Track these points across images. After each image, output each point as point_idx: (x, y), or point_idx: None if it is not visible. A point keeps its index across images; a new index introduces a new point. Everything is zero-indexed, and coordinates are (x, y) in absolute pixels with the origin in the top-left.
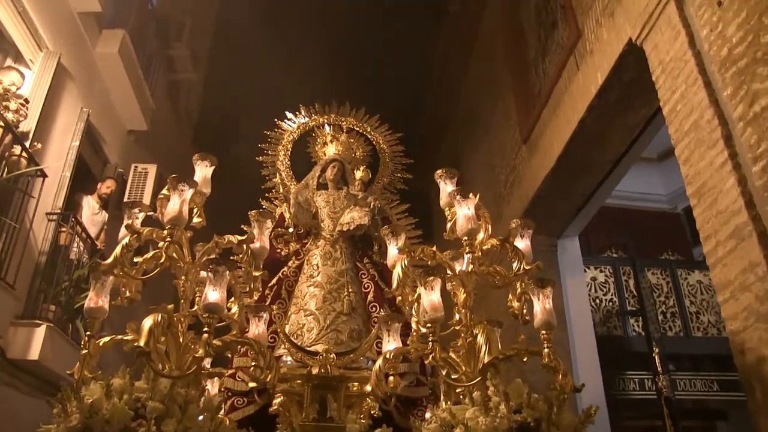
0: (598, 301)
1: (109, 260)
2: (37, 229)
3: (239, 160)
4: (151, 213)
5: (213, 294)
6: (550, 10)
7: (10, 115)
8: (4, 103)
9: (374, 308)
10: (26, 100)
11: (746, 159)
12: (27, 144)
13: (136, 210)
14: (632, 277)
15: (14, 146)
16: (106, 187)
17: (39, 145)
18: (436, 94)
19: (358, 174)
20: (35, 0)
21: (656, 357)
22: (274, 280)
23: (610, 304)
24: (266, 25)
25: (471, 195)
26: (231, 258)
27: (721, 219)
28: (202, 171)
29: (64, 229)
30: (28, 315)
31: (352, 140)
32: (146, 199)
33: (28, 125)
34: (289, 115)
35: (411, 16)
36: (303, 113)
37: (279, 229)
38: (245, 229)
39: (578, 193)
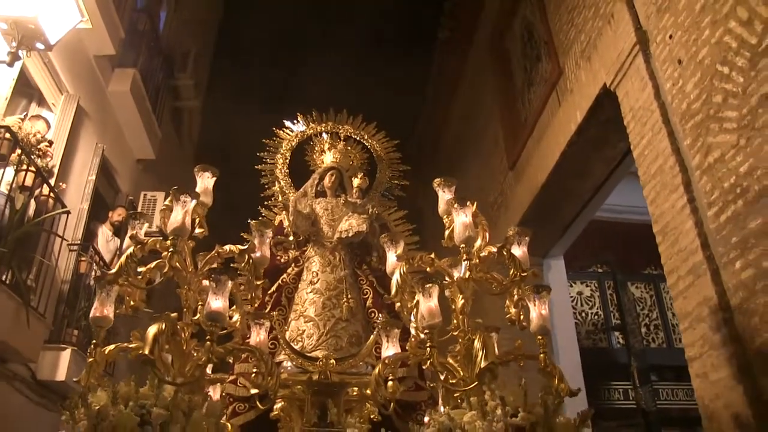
0: (584, 314)
1: (114, 270)
2: (59, 259)
3: (238, 176)
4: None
5: (215, 302)
6: (534, 44)
7: (39, 161)
8: (37, 153)
9: (373, 314)
10: (50, 142)
11: (702, 204)
12: (52, 182)
13: (140, 221)
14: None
15: (42, 186)
16: (118, 214)
17: (64, 186)
18: (428, 116)
19: (356, 181)
20: (57, 48)
21: (634, 371)
22: (273, 287)
23: (596, 317)
24: (262, 50)
25: (468, 203)
26: (232, 265)
27: (682, 256)
28: (204, 182)
29: (83, 259)
30: (54, 340)
31: (349, 148)
32: (155, 225)
33: (51, 164)
34: (287, 123)
35: (402, 42)
36: (300, 122)
37: (278, 236)
38: (246, 237)
39: (562, 217)
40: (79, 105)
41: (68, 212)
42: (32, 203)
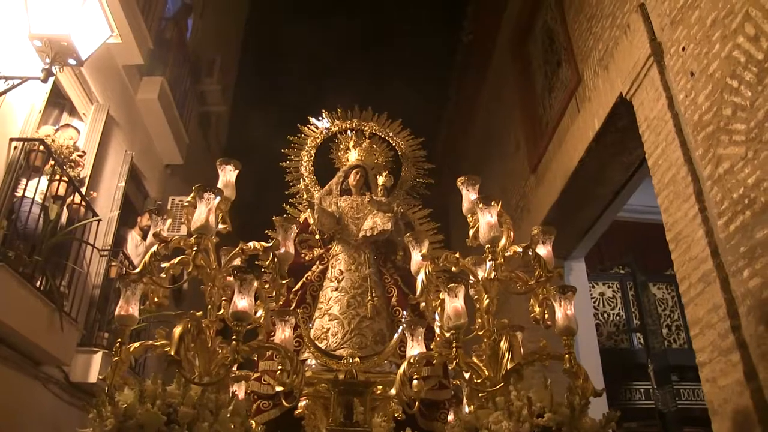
0: (606, 315)
1: (139, 268)
2: (90, 265)
3: (265, 179)
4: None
5: (241, 302)
6: (555, 50)
7: (71, 171)
8: (70, 164)
9: (397, 312)
10: (83, 152)
11: (713, 213)
12: (83, 190)
13: (162, 218)
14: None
15: (74, 194)
16: (146, 220)
17: (94, 194)
18: (453, 116)
19: (381, 179)
20: (87, 61)
21: (651, 373)
22: (298, 285)
23: (618, 318)
24: (287, 54)
25: (493, 203)
26: (256, 262)
27: (693, 264)
28: (226, 175)
29: (113, 264)
30: (86, 343)
31: (374, 146)
32: (183, 230)
33: (83, 174)
34: (312, 120)
35: (426, 44)
36: (325, 119)
37: (303, 234)
38: (270, 234)
39: (582, 220)
40: (108, 114)
41: (99, 220)
42: (64, 211)
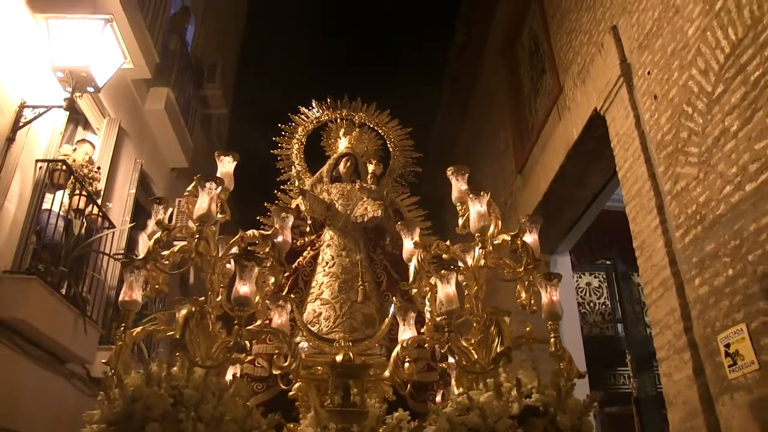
0: (592, 304)
1: (142, 255)
2: (107, 268)
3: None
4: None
5: (243, 287)
6: (540, 57)
7: (89, 187)
8: (88, 179)
9: (387, 297)
10: (99, 168)
11: (671, 226)
12: (99, 201)
13: (163, 206)
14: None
15: (92, 206)
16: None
17: (110, 205)
18: (446, 115)
19: (371, 167)
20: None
21: (629, 362)
22: (290, 270)
23: (603, 307)
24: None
25: (483, 192)
26: (249, 248)
27: (655, 271)
28: (225, 166)
29: None
30: (105, 341)
31: (364, 134)
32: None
33: (99, 186)
34: (302, 109)
35: (419, 44)
36: (316, 108)
37: (295, 220)
38: (263, 220)
39: (565, 220)
40: (120, 127)
41: (115, 230)
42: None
